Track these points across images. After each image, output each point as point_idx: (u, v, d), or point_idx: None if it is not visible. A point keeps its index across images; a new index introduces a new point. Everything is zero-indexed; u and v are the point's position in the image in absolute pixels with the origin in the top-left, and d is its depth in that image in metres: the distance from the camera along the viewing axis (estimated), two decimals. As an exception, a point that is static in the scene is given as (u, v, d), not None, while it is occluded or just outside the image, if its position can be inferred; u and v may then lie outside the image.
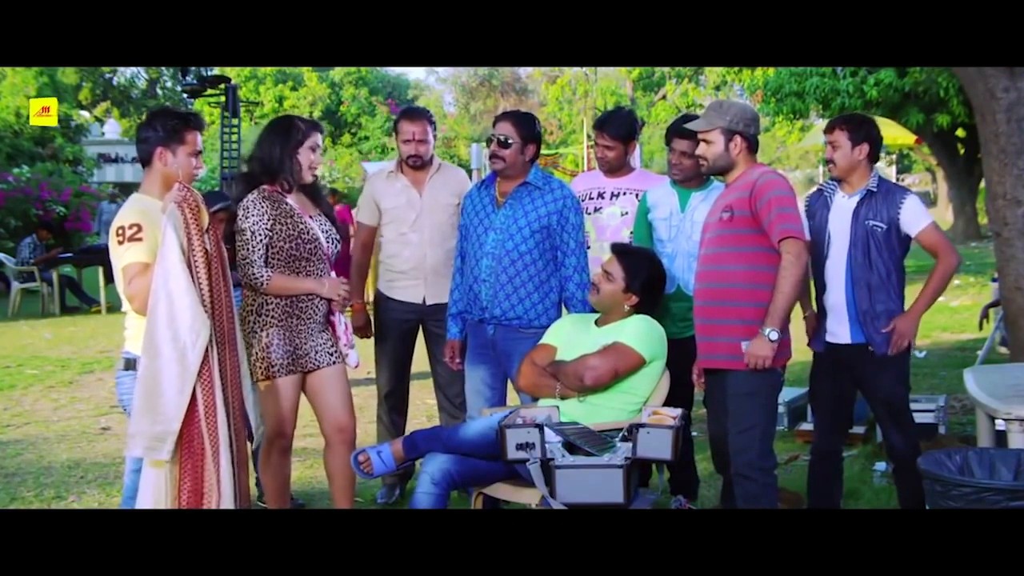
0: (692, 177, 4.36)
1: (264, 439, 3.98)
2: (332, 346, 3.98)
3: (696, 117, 4.43)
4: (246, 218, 3.84)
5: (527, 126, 4.23)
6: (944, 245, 3.98)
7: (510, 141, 4.16)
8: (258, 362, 3.85)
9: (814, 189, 4.32)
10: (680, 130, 4.34)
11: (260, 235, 3.83)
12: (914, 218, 3.96)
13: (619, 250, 4.04)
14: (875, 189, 3.99)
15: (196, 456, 3.26)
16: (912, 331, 3.94)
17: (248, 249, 3.84)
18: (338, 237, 4.07)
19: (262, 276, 3.82)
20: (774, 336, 3.55)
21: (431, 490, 3.67)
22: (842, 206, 4.04)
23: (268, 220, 3.83)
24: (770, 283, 3.59)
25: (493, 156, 4.21)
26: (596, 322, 4.01)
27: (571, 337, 3.98)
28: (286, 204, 3.89)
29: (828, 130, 4.10)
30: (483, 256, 4.19)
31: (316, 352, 3.92)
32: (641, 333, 3.84)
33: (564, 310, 4.31)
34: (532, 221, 4.16)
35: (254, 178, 3.93)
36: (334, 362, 3.97)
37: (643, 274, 3.95)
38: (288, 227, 3.85)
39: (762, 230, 3.61)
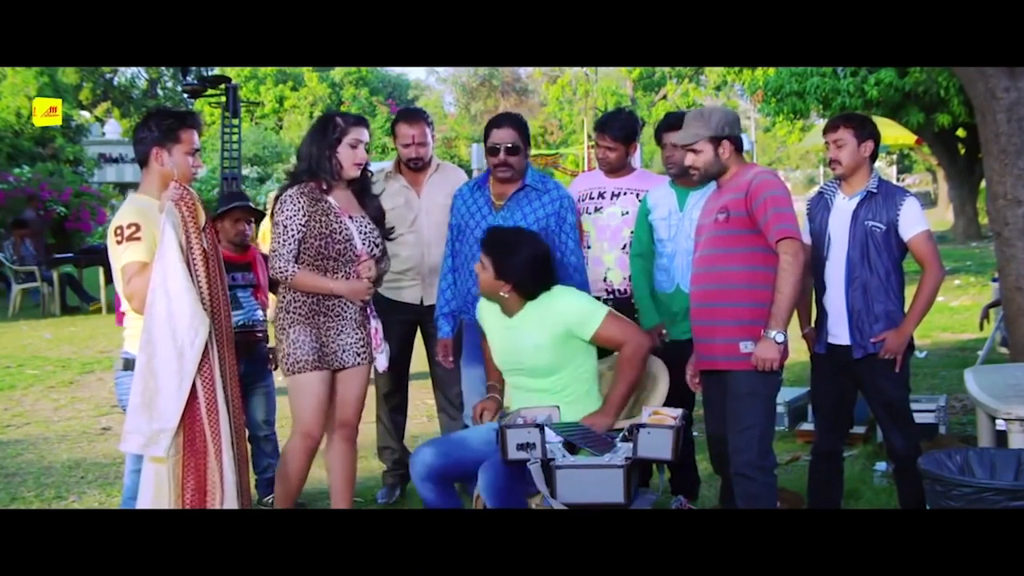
0: (687, 172, 4.36)
1: (291, 437, 3.97)
2: (363, 345, 3.96)
3: (681, 114, 4.45)
4: (281, 211, 3.85)
5: (526, 129, 4.25)
6: (932, 257, 3.98)
7: (518, 148, 4.16)
8: (285, 357, 3.85)
9: (815, 192, 4.31)
10: (666, 124, 4.43)
11: (293, 229, 3.83)
12: (911, 222, 3.95)
13: (484, 239, 3.89)
14: (875, 190, 3.99)
15: (199, 454, 3.26)
16: (901, 347, 3.94)
17: (279, 242, 3.84)
18: (378, 241, 4.03)
19: (288, 270, 3.83)
20: (780, 338, 3.55)
21: (422, 486, 3.70)
22: (842, 208, 4.04)
23: (303, 216, 3.83)
24: (767, 283, 3.59)
25: (503, 165, 4.19)
26: (503, 312, 3.89)
27: (496, 332, 3.94)
28: (325, 202, 3.89)
29: (831, 129, 4.07)
30: None
31: (344, 351, 3.91)
32: (580, 305, 3.83)
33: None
34: (532, 224, 4.15)
35: (298, 176, 3.94)
36: (360, 362, 3.96)
37: (512, 259, 3.74)
38: (321, 225, 3.85)
39: (758, 231, 3.61)
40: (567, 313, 3.76)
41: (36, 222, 15.12)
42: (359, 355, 3.96)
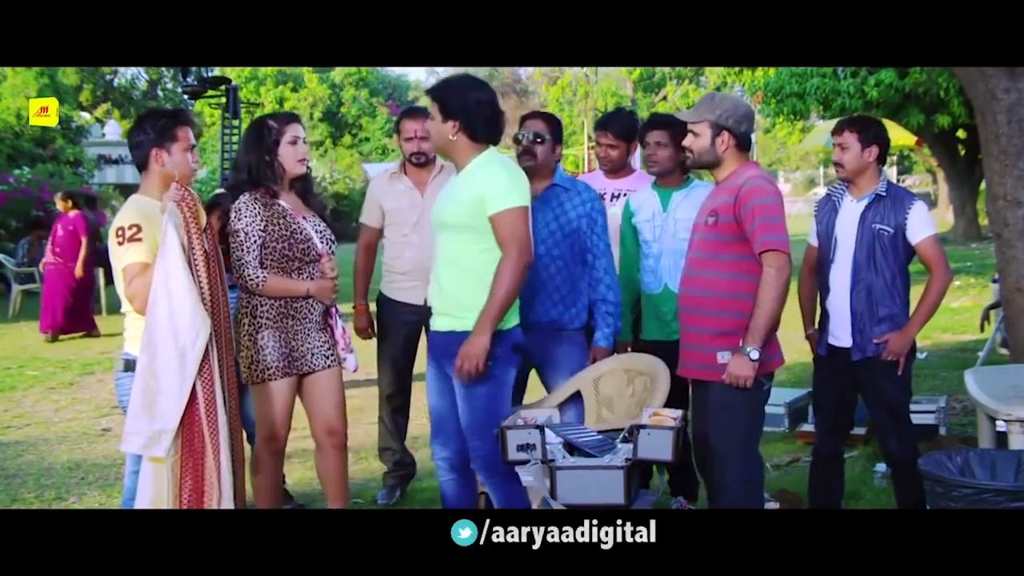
0: (669, 170, 4.37)
1: (257, 442, 3.96)
2: (329, 348, 3.93)
3: (667, 117, 4.45)
4: (239, 219, 3.80)
5: (558, 125, 4.22)
6: (940, 260, 3.96)
7: (543, 138, 4.12)
8: (253, 364, 3.81)
9: (823, 194, 4.28)
10: (652, 123, 4.43)
11: (254, 236, 3.79)
12: (919, 226, 3.94)
13: (429, 89, 3.81)
14: (884, 193, 3.97)
15: (197, 455, 3.26)
16: (905, 349, 3.93)
17: (243, 250, 3.79)
18: (333, 238, 4.03)
19: (257, 277, 3.79)
20: (755, 355, 3.44)
21: (448, 481, 3.74)
22: (850, 210, 4.03)
23: (261, 221, 3.79)
24: (749, 293, 3.49)
25: (525, 153, 4.13)
26: (456, 176, 3.76)
27: (441, 195, 3.79)
28: (278, 205, 3.86)
29: (836, 131, 4.07)
30: None
31: (312, 354, 3.88)
32: (499, 183, 3.52)
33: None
34: (563, 224, 4.10)
35: (238, 188, 3.89)
36: (330, 365, 3.93)
37: (457, 95, 3.57)
38: (281, 227, 3.82)
39: (744, 238, 3.51)
40: (485, 182, 3.51)
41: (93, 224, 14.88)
42: (327, 357, 3.92)
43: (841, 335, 4.03)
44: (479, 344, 3.44)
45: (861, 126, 4.05)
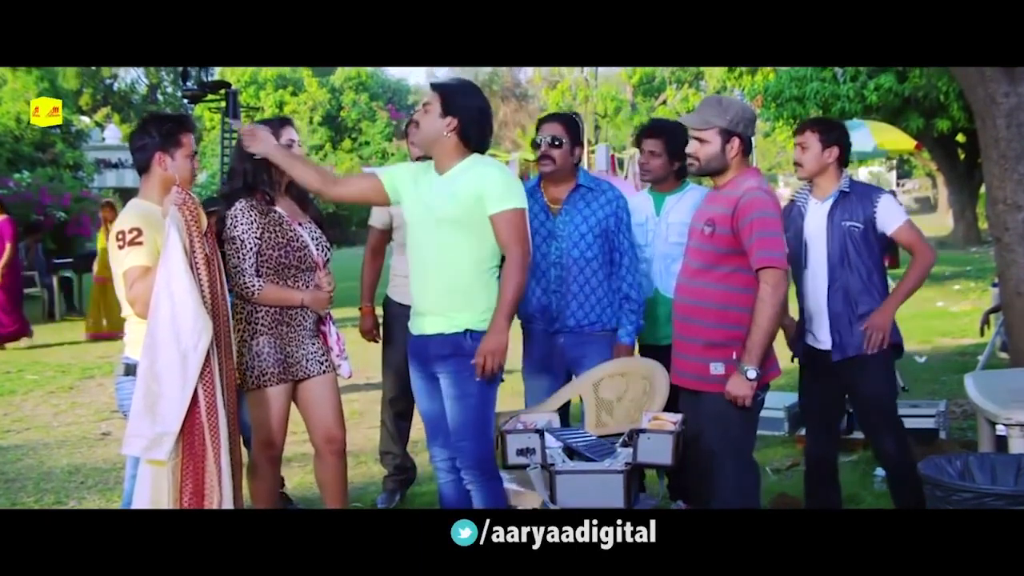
0: (663, 178, 4.37)
1: (254, 448, 3.95)
2: (323, 355, 3.91)
3: (663, 125, 4.43)
4: (235, 227, 3.76)
5: (575, 127, 4.20)
6: (919, 242, 3.98)
7: (561, 141, 4.10)
8: (248, 371, 3.77)
9: (786, 203, 4.19)
10: (648, 129, 4.42)
11: (250, 244, 3.76)
12: (890, 217, 3.95)
13: (434, 83, 3.75)
14: (848, 190, 3.98)
15: (197, 458, 3.26)
16: (886, 325, 3.90)
17: (239, 258, 3.76)
18: (328, 246, 4.01)
19: (253, 286, 3.76)
20: (752, 375, 3.42)
21: (447, 482, 3.74)
22: (816, 212, 4.02)
23: (257, 228, 3.77)
24: (743, 306, 3.47)
25: (544, 158, 4.13)
26: (435, 169, 3.66)
27: (423, 190, 3.67)
28: (274, 212, 3.83)
29: (798, 131, 4.08)
30: (549, 266, 4.11)
31: (307, 360, 3.86)
32: (499, 183, 3.53)
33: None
34: (593, 225, 4.09)
35: (234, 196, 3.85)
36: (325, 371, 3.91)
37: (462, 96, 3.57)
38: (277, 235, 3.79)
39: (741, 250, 3.48)
40: (482, 181, 3.50)
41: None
42: (322, 363, 3.90)
43: (822, 337, 4.01)
44: (500, 341, 3.47)
45: (823, 127, 4.05)
